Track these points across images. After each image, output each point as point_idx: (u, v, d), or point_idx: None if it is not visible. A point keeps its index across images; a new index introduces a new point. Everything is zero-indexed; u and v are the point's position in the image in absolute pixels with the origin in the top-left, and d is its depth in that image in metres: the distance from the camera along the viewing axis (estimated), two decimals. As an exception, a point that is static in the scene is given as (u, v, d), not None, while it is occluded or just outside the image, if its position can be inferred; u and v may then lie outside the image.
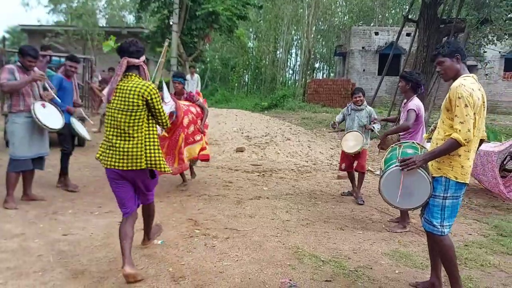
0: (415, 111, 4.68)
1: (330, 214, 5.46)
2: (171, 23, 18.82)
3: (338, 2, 30.96)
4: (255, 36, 33.56)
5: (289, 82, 32.83)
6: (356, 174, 6.35)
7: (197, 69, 19.40)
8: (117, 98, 3.25)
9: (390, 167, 3.23)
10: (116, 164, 3.23)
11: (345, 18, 33.21)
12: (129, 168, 3.23)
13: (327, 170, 8.42)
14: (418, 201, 3.14)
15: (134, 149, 3.20)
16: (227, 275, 3.46)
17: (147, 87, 3.22)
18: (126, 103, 3.20)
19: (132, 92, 3.20)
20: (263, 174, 7.71)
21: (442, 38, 12.24)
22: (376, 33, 22.87)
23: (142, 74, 3.39)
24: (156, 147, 3.32)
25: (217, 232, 4.49)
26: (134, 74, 3.31)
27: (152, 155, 3.27)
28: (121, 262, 3.59)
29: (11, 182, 5.00)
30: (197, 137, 6.14)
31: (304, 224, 4.96)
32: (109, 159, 3.25)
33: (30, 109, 4.89)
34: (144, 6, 18.54)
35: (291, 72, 34.96)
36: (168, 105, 5.28)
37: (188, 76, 14.50)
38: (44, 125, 4.96)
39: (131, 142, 3.20)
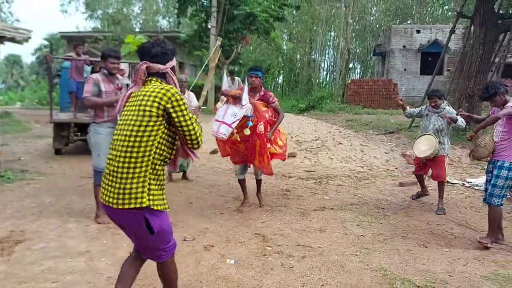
0: None
1: (406, 228, 5.01)
2: (209, 26, 18.74)
3: (374, 0, 30.17)
4: (289, 37, 33.18)
5: (324, 83, 32.27)
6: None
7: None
8: (128, 108, 2.47)
9: None
10: (109, 199, 2.39)
11: (381, 17, 32.39)
12: (120, 207, 2.35)
13: (386, 176, 7.94)
14: None
15: (135, 180, 2.33)
16: (317, 303, 3.09)
17: (168, 90, 2.38)
18: (136, 113, 2.37)
19: (146, 98, 2.37)
20: (319, 181, 7.31)
21: (500, 35, 11.52)
22: (418, 31, 22.07)
23: (170, 82, 2.59)
24: (159, 187, 2.45)
25: (291, 250, 4.13)
26: (155, 79, 2.52)
27: (153, 192, 2.38)
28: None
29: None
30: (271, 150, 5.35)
31: (381, 240, 4.54)
32: (105, 191, 2.44)
33: (114, 120, 4.66)
34: (183, 10, 18.49)
35: (325, 73, 34.40)
36: (243, 109, 4.68)
37: (228, 80, 14.15)
38: None
39: (131, 169, 2.34)
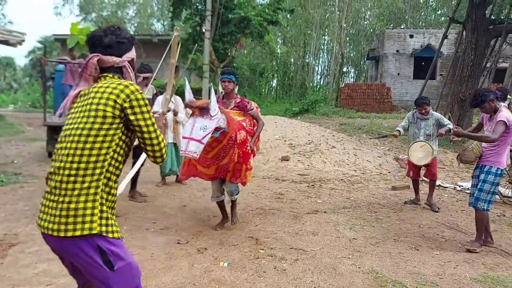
0: (506, 123, 4.23)
1: (398, 231, 5.07)
2: (203, 29, 18.76)
3: (369, 5, 30.40)
4: (283, 41, 33.32)
5: (318, 86, 32.41)
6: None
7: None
8: (75, 110, 1.99)
9: None
10: (48, 225, 1.84)
11: (375, 22, 32.60)
12: (61, 234, 1.79)
13: (379, 180, 8.01)
14: None
15: (82, 198, 1.82)
16: (310, 305, 3.13)
17: (126, 87, 1.93)
18: (87, 114, 1.90)
19: (99, 96, 1.92)
20: (312, 185, 7.36)
21: (491, 40, 11.66)
22: (411, 36, 22.26)
23: (128, 79, 2.12)
24: (111, 209, 1.96)
25: (284, 253, 4.17)
26: (111, 75, 2.06)
27: (106, 215, 1.88)
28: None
29: None
30: (251, 163, 4.81)
31: (373, 243, 4.59)
32: (43, 215, 1.89)
33: None
34: (177, 14, 18.51)
35: (319, 77, 34.57)
36: (214, 120, 4.01)
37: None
38: None
39: (78, 184, 1.82)
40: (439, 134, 5.75)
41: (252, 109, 4.77)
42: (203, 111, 4.01)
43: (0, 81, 44.84)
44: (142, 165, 6.08)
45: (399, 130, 6.15)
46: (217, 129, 4.07)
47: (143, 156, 2.18)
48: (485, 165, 4.46)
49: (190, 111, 4.17)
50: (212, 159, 4.46)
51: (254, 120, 4.88)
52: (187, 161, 4.64)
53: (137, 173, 6.10)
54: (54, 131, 8.81)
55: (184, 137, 4.03)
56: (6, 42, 6.68)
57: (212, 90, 4.07)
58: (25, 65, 48.13)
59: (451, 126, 5.64)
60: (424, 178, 6.76)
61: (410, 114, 6.17)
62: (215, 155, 4.41)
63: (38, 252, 3.92)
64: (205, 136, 3.97)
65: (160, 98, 6.57)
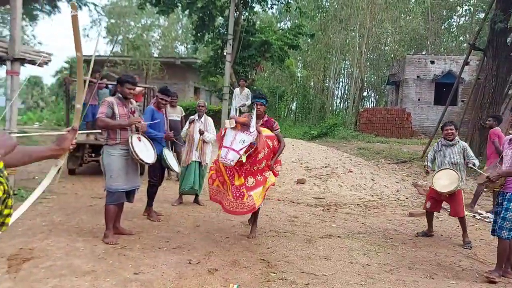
0: None
1: (413, 258, 4.96)
2: (224, 53, 19.12)
3: (389, 31, 30.48)
4: (303, 65, 33.55)
5: (337, 110, 32.38)
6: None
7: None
8: None
9: None
10: None
11: (396, 47, 32.58)
12: None
13: (396, 206, 7.88)
14: None
15: None
16: (318, 331, 3.07)
17: None
18: None
19: None
20: (327, 209, 7.30)
21: (513, 67, 11.53)
22: (432, 62, 22.16)
23: None
24: None
25: (295, 277, 4.12)
26: None
27: None
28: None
29: (110, 215, 4.87)
30: (266, 173, 5.12)
31: (387, 270, 4.50)
32: None
33: (126, 142, 4.81)
34: (199, 38, 18.95)
35: (338, 100, 34.56)
36: (251, 135, 4.68)
37: (236, 90, 13.46)
38: (140, 159, 4.82)
39: None
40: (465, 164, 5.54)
41: (277, 129, 5.30)
42: (244, 127, 4.66)
43: (28, 99, 46.20)
44: (159, 185, 6.19)
45: (428, 165, 5.91)
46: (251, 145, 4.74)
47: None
48: (507, 192, 4.36)
49: (233, 122, 4.71)
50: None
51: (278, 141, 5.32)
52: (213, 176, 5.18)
53: (155, 191, 6.18)
54: (75, 148, 9.01)
55: (224, 146, 4.65)
56: (33, 62, 6.94)
57: (254, 111, 4.87)
58: (52, 84, 49.52)
59: (476, 161, 5.54)
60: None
61: (436, 144, 5.99)
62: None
63: (51, 267, 3.98)
64: (242, 148, 4.61)
65: (197, 124, 6.79)
